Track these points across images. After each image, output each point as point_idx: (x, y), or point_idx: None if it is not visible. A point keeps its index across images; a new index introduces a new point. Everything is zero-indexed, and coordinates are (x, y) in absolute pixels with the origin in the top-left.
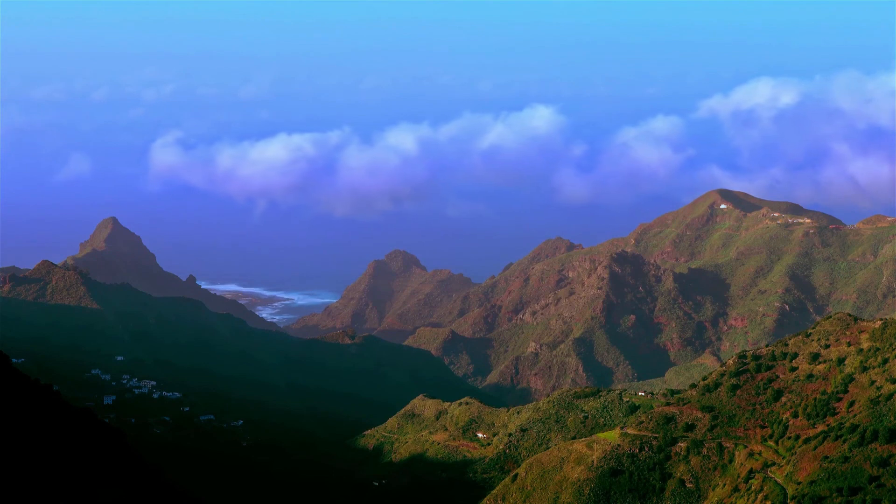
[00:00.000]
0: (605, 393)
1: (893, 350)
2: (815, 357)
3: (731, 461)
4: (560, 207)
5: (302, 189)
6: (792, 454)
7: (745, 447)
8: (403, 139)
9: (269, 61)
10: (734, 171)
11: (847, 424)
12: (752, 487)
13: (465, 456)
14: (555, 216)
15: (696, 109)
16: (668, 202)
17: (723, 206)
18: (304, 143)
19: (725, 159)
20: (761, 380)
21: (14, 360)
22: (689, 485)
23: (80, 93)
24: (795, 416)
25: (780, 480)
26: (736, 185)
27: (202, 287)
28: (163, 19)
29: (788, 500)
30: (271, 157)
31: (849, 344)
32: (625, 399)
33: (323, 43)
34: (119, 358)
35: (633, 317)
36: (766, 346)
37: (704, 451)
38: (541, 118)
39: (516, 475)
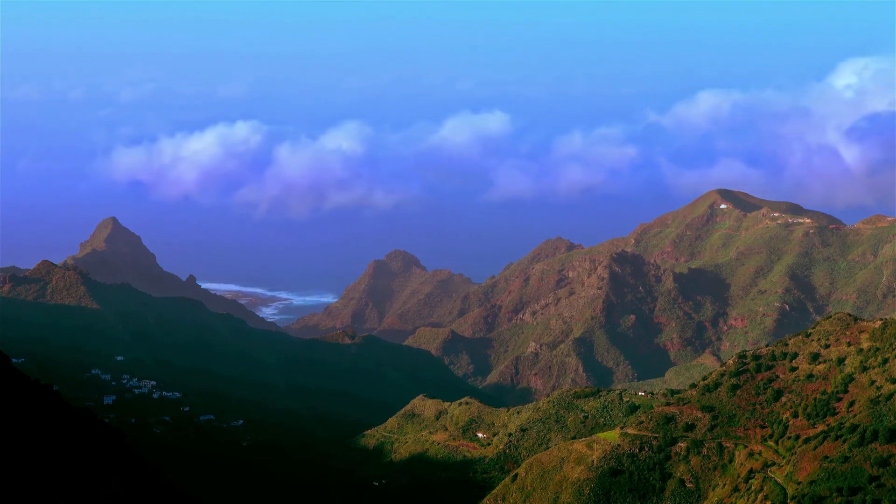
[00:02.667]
0: (605, 393)
1: (893, 350)
2: (815, 357)
3: (731, 461)
4: (495, 204)
5: (230, 187)
6: (792, 454)
7: (745, 447)
8: (347, 140)
9: (256, 60)
10: (682, 166)
11: (847, 424)
12: (752, 487)
13: (465, 456)
14: (486, 214)
15: (668, 110)
16: (614, 201)
17: (723, 206)
18: (244, 138)
19: (675, 161)
20: (761, 380)
21: (14, 360)
22: (689, 485)
23: (59, 91)
24: (795, 416)
25: (780, 480)
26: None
27: (202, 287)
28: (156, 19)
29: (788, 500)
30: (202, 151)
31: (849, 344)
32: (625, 399)
33: (314, 43)
34: (119, 358)
35: (633, 317)
36: (766, 346)
37: (704, 451)
38: (496, 120)
39: (516, 475)
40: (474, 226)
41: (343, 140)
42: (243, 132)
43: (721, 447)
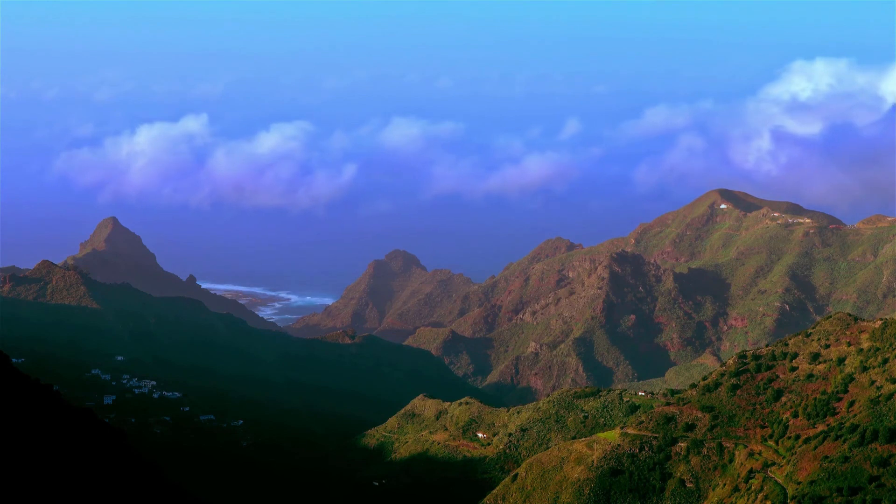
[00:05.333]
0: (605, 393)
1: (893, 350)
2: (815, 357)
3: (731, 461)
4: (428, 203)
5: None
6: (792, 454)
7: (745, 447)
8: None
9: (239, 59)
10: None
11: (847, 424)
12: (752, 487)
13: (465, 456)
14: (426, 212)
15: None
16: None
17: (723, 206)
18: (189, 136)
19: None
20: (761, 380)
21: (14, 360)
22: (689, 485)
23: (35, 91)
24: (795, 415)
25: (780, 480)
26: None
27: (202, 287)
28: (139, 19)
29: (788, 500)
30: (138, 151)
31: (849, 344)
32: (625, 399)
33: (301, 42)
34: (119, 358)
35: (633, 317)
36: (766, 345)
37: (704, 450)
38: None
39: (516, 475)
40: (466, 226)
41: (282, 140)
42: (192, 130)
43: (721, 447)
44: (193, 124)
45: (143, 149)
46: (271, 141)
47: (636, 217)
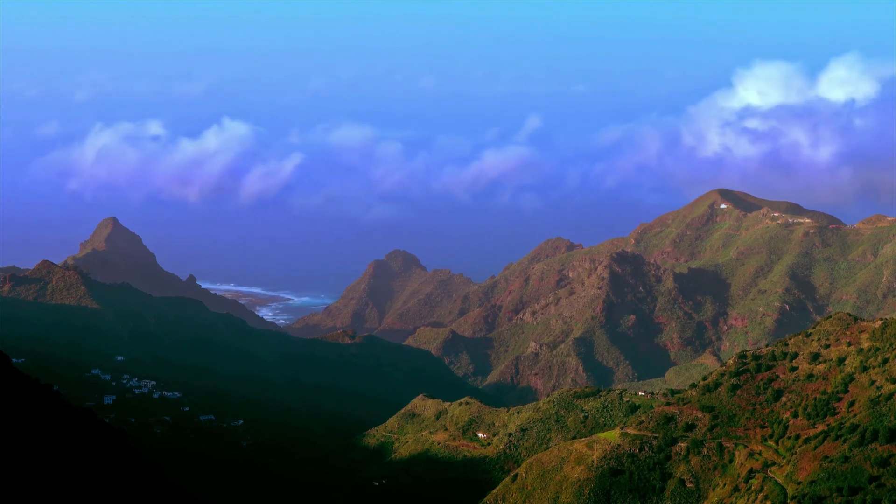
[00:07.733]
0: (605, 393)
1: (893, 350)
2: (815, 357)
3: (731, 461)
4: (383, 198)
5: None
6: (792, 454)
7: (745, 447)
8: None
9: (228, 59)
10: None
11: (847, 424)
12: (752, 487)
13: (465, 456)
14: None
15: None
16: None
17: (723, 206)
18: (148, 136)
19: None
20: (761, 380)
21: (14, 360)
22: (689, 485)
23: (16, 91)
24: (795, 415)
25: (780, 480)
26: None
27: (202, 287)
28: (126, 18)
29: (788, 500)
30: (91, 152)
31: (849, 344)
32: (625, 399)
33: (290, 40)
34: (119, 358)
35: (633, 317)
36: (766, 345)
37: (704, 450)
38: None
39: (516, 475)
40: (472, 226)
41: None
42: (154, 130)
43: (721, 447)
44: (154, 125)
45: (96, 150)
46: (225, 138)
47: (615, 214)
